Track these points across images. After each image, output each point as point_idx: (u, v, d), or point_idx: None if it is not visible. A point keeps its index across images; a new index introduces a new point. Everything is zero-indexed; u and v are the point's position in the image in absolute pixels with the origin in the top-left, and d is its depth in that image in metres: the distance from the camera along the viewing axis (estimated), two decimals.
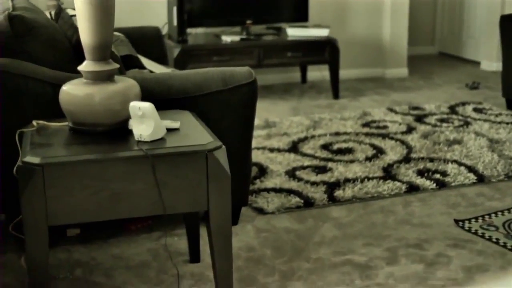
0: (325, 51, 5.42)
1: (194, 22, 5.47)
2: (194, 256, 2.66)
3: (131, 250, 2.78)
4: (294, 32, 5.48)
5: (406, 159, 3.83)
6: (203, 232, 2.82)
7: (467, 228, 2.96)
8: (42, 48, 2.61)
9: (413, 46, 7.43)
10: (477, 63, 6.96)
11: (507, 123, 4.58)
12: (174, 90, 2.63)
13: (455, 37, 7.37)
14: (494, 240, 2.84)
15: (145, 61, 3.69)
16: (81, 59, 2.35)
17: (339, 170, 3.65)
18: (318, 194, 3.32)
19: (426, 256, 2.72)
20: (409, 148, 4.03)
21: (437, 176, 3.57)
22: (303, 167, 3.71)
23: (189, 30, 5.46)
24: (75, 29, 2.76)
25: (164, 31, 5.31)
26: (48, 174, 1.97)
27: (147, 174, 2.04)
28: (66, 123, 2.27)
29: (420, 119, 4.72)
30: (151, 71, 3.36)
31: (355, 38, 6.24)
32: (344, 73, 6.18)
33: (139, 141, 2.11)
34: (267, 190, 3.37)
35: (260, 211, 3.16)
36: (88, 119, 2.16)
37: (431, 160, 3.82)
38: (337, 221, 3.06)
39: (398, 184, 3.45)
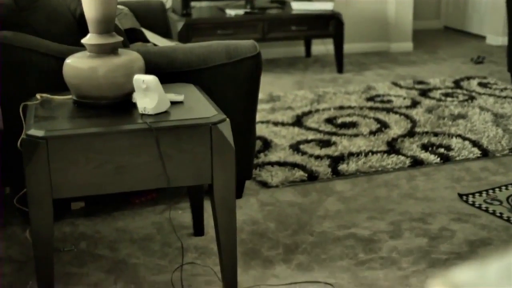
0: (329, 25, 5.39)
1: None
2: (198, 229, 2.67)
3: (135, 223, 2.79)
4: (298, 6, 5.44)
5: (410, 133, 3.83)
6: (207, 206, 2.83)
7: (471, 202, 2.96)
8: (45, 21, 2.60)
9: (418, 20, 7.38)
10: (482, 37, 6.91)
11: None
12: (178, 63, 2.62)
13: (460, 11, 7.32)
14: (498, 214, 2.84)
15: (149, 34, 3.67)
16: (85, 32, 2.34)
17: (343, 144, 3.64)
18: (322, 168, 3.32)
19: (429, 230, 2.73)
20: (414, 122, 4.02)
21: (441, 150, 3.57)
22: (307, 141, 3.71)
23: (193, 3, 5.43)
24: (79, 2, 2.75)
25: (168, 4, 5.28)
26: (52, 147, 1.97)
27: (151, 147, 2.04)
28: (70, 96, 2.27)
29: (424, 93, 4.70)
30: (155, 45, 3.35)
31: (359, 12, 6.20)
32: (348, 47, 6.15)
33: (143, 114, 2.11)
34: (271, 163, 3.37)
35: (264, 184, 3.16)
36: (92, 92, 2.16)
37: (436, 134, 3.81)
38: (341, 195, 3.06)
39: (402, 158, 3.45)
